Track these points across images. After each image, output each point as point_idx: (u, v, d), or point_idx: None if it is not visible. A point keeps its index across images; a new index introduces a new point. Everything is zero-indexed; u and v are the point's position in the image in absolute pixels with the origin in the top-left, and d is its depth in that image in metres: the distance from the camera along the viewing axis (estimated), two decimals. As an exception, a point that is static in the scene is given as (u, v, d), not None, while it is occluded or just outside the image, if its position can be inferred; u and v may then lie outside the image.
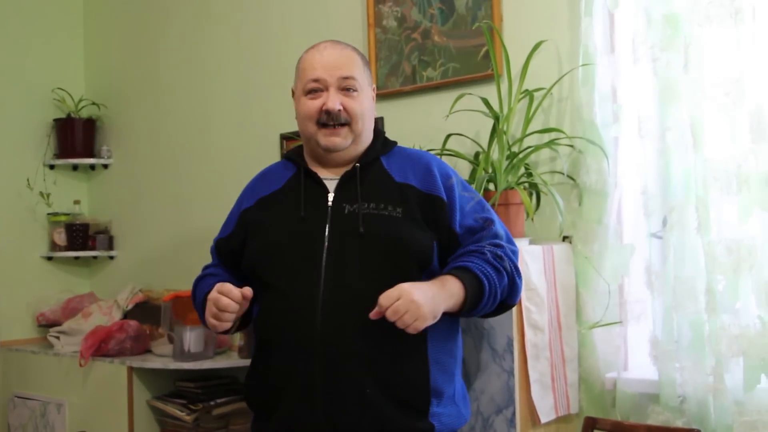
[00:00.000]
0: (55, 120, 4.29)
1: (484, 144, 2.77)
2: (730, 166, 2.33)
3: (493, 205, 2.48)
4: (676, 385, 2.41)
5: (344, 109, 1.93)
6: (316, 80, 1.93)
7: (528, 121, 2.69)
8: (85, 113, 4.32)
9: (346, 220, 1.90)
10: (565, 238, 2.67)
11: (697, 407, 2.37)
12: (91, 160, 4.31)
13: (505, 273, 1.89)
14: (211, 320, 1.91)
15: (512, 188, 2.55)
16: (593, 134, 2.61)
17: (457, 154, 2.79)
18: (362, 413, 1.82)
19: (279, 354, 1.89)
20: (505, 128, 2.64)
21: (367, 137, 2.00)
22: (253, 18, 3.74)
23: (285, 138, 3.49)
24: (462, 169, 2.89)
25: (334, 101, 1.92)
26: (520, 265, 2.38)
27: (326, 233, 1.89)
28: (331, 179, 1.97)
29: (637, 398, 2.54)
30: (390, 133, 3.19)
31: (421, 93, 3.13)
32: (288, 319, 1.87)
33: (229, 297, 1.86)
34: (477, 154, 2.81)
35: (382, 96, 3.22)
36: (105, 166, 4.36)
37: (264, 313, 1.95)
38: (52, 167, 4.30)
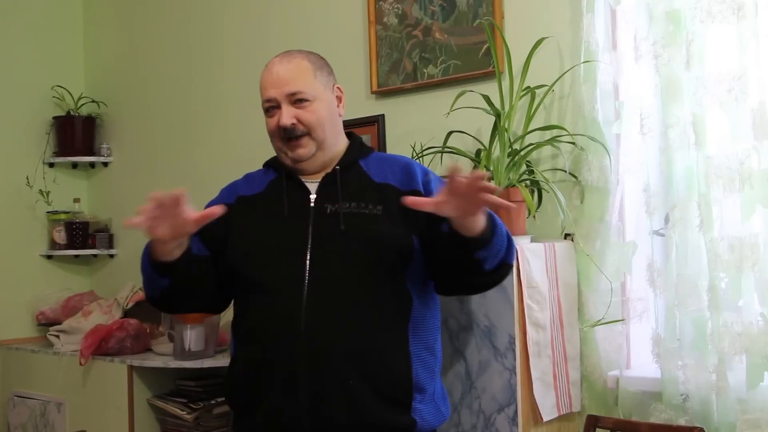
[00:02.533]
0: (55, 118, 4.28)
1: (486, 141, 2.76)
2: (733, 163, 2.32)
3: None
4: (678, 383, 2.41)
5: (299, 121, 1.97)
6: (268, 100, 2.00)
7: (529, 118, 2.68)
8: (84, 111, 4.31)
9: (329, 219, 1.94)
10: (566, 236, 2.66)
11: (699, 405, 2.37)
12: (91, 158, 4.31)
13: (502, 224, 1.89)
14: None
15: (514, 186, 2.54)
16: (595, 131, 2.61)
17: (458, 152, 2.78)
18: (345, 406, 1.85)
19: (262, 349, 1.91)
20: (506, 125, 2.63)
21: (333, 142, 2.03)
22: (254, 15, 3.73)
23: (285, 136, 3.48)
24: (463, 167, 2.88)
25: (285, 118, 1.97)
26: (521, 263, 2.39)
27: (309, 231, 1.93)
28: (312, 182, 2.02)
29: (639, 396, 2.54)
30: (391, 131, 3.22)
31: (422, 90, 3.12)
32: (273, 314, 1.90)
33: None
34: (478, 152, 2.80)
35: (383, 93, 3.22)
36: (105, 164, 4.35)
37: (247, 311, 1.98)
38: (51, 165, 4.29)
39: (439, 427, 1.99)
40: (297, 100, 1.98)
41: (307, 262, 1.90)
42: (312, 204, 1.98)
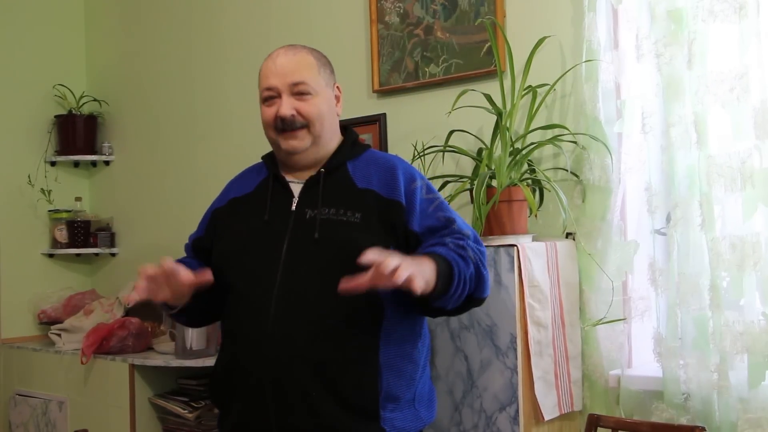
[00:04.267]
0: (57, 116, 4.29)
1: (487, 140, 2.76)
2: (734, 162, 2.32)
3: (495, 202, 2.48)
4: (680, 382, 2.41)
5: (298, 113, 1.95)
6: (269, 88, 1.97)
7: (531, 117, 2.68)
8: (86, 110, 4.31)
9: (306, 225, 1.93)
10: (568, 235, 2.66)
11: (701, 404, 2.37)
12: (93, 157, 4.31)
13: (470, 261, 1.87)
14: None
15: (515, 185, 2.54)
16: (596, 130, 2.60)
17: (459, 151, 2.78)
18: (309, 416, 1.84)
19: (235, 355, 1.94)
20: (508, 124, 2.63)
21: (329, 139, 2.02)
22: (255, 15, 3.73)
23: (287, 134, 3.48)
24: (465, 166, 2.89)
25: (285, 108, 1.94)
26: (522, 262, 2.38)
27: (286, 238, 1.93)
28: (297, 183, 2.01)
29: (641, 395, 2.54)
30: (392, 130, 3.22)
31: (423, 89, 3.12)
32: (243, 322, 1.92)
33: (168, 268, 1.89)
34: (480, 151, 2.80)
35: (385, 92, 3.22)
36: (106, 163, 4.35)
37: (227, 314, 2.01)
38: (53, 164, 4.30)
39: (421, 430, 1.97)
40: (298, 92, 1.96)
41: (279, 270, 1.90)
42: (293, 208, 1.97)
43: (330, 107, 2.01)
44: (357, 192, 1.95)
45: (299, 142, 1.97)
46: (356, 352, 1.87)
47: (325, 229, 1.91)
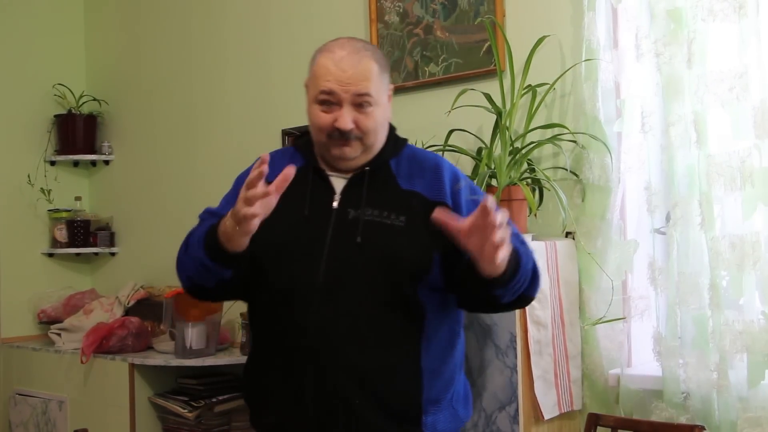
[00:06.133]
0: (56, 116, 4.29)
1: (487, 140, 2.76)
2: (734, 161, 2.32)
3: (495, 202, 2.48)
4: (679, 381, 2.41)
5: (357, 126, 1.84)
6: (328, 93, 1.83)
7: (531, 116, 2.68)
8: (86, 109, 4.31)
9: (348, 226, 1.85)
10: (568, 234, 2.66)
11: (700, 403, 2.37)
12: (92, 157, 4.31)
13: (530, 256, 1.84)
14: (242, 209, 1.72)
15: (515, 184, 2.54)
16: (596, 130, 2.61)
17: (459, 150, 2.78)
18: (350, 423, 1.80)
19: (273, 358, 1.86)
20: (507, 124, 2.63)
21: (378, 145, 1.92)
22: (255, 13, 3.73)
23: (286, 133, 3.48)
24: (464, 165, 2.88)
25: (346, 121, 1.82)
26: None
27: (327, 238, 1.84)
28: (339, 177, 1.91)
29: (640, 394, 2.54)
30: (392, 129, 3.21)
31: (423, 89, 3.12)
32: (283, 323, 1.84)
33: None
34: (479, 150, 2.80)
35: (384, 92, 3.21)
36: (106, 162, 4.35)
37: (262, 310, 1.92)
38: (53, 163, 4.30)
39: (459, 429, 1.94)
40: (359, 103, 1.83)
41: (321, 271, 1.81)
42: (335, 206, 1.88)
43: (385, 115, 1.91)
44: (401, 193, 1.88)
45: (351, 151, 1.86)
46: (398, 359, 1.81)
47: (368, 232, 1.83)
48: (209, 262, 1.84)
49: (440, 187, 1.89)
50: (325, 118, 1.84)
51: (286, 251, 1.86)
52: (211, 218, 1.94)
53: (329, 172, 1.92)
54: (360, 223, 1.84)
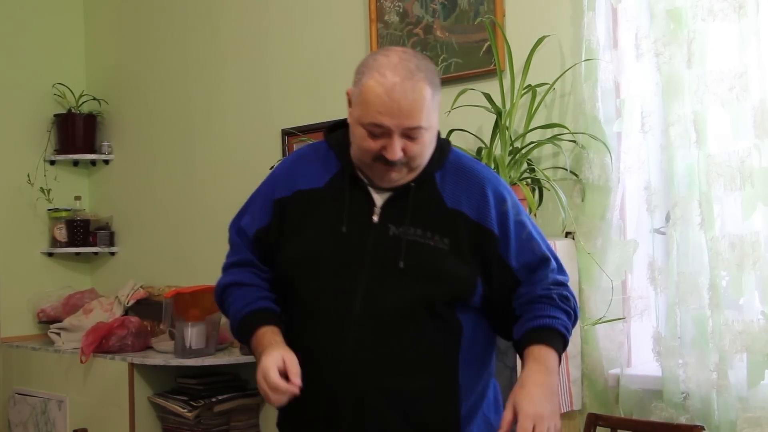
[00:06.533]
0: (56, 115, 4.28)
1: (487, 140, 2.76)
2: (734, 161, 2.32)
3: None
4: (679, 381, 2.41)
5: (404, 153, 1.74)
6: (378, 125, 1.71)
7: (530, 116, 2.68)
8: (85, 109, 4.31)
9: (390, 244, 1.76)
10: (567, 234, 2.66)
11: (700, 403, 2.37)
12: (92, 156, 4.31)
13: (573, 314, 1.84)
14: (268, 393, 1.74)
15: (515, 184, 2.54)
16: (596, 130, 2.61)
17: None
18: None
19: (307, 376, 1.74)
20: (507, 124, 2.63)
21: (425, 162, 1.81)
22: (255, 13, 3.73)
23: (286, 133, 3.48)
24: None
25: (395, 151, 1.72)
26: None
27: (367, 257, 1.77)
28: (379, 190, 1.81)
29: (640, 395, 2.54)
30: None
31: (422, 88, 3.11)
32: (318, 343, 1.77)
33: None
34: (479, 150, 2.80)
35: (384, 91, 3.21)
36: (106, 162, 4.35)
37: (295, 327, 1.83)
38: (52, 163, 4.30)
39: None
40: (410, 134, 1.73)
41: (359, 292, 1.75)
42: (375, 220, 1.79)
43: (434, 135, 1.81)
44: (447, 212, 1.79)
45: (397, 175, 1.77)
46: (437, 380, 1.77)
47: (411, 252, 1.75)
48: (241, 340, 1.89)
49: (485, 208, 1.81)
50: (372, 144, 1.74)
51: (324, 270, 1.79)
52: (243, 244, 1.90)
53: (369, 183, 1.82)
54: (403, 242, 1.77)
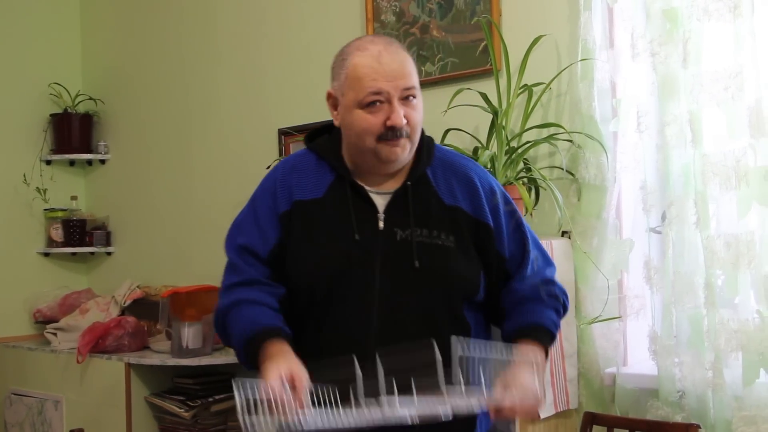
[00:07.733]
0: (52, 115, 4.28)
1: (483, 139, 2.77)
2: (729, 160, 2.32)
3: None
4: (675, 380, 2.41)
5: (407, 121, 1.75)
6: (377, 93, 1.73)
7: (527, 116, 2.69)
8: (81, 108, 4.31)
9: (399, 248, 1.76)
10: (564, 234, 2.66)
11: (696, 402, 2.38)
12: (88, 156, 4.31)
13: (562, 310, 1.87)
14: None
15: (511, 183, 2.55)
16: (592, 129, 2.61)
17: (455, 149, 2.78)
18: None
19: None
20: (503, 123, 2.64)
21: (417, 143, 1.82)
22: (251, 13, 3.73)
23: (283, 133, 3.48)
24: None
25: (400, 116, 1.72)
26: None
27: (379, 262, 1.76)
28: (379, 195, 1.82)
29: (636, 393, 2.54)
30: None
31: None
32: (338, 351, 1.69)
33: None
34: (476, 150, 2.80)
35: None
36: (102, 162, 4.35)
37: (310, 338, 1.80)
38: (48, 163, 4.29)
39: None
40: (406, 97, 1.74)
41: (376, 302, 1.74)
42: (381, 226, 1.78)
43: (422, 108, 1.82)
44: (446, 210, 1.81)
45: (402, 150, 1.76)
46: None
47: (423, 255, 1.76)
48: (247, 365, 1.77)
49: (479, 201, 1.83)
50: (374, 120, 1.74)
51: (338, 283, 1.77)
52: (247, 263, 1.82)
53: (368, 188, 1.82)
54: (413, 245, 1.76)
